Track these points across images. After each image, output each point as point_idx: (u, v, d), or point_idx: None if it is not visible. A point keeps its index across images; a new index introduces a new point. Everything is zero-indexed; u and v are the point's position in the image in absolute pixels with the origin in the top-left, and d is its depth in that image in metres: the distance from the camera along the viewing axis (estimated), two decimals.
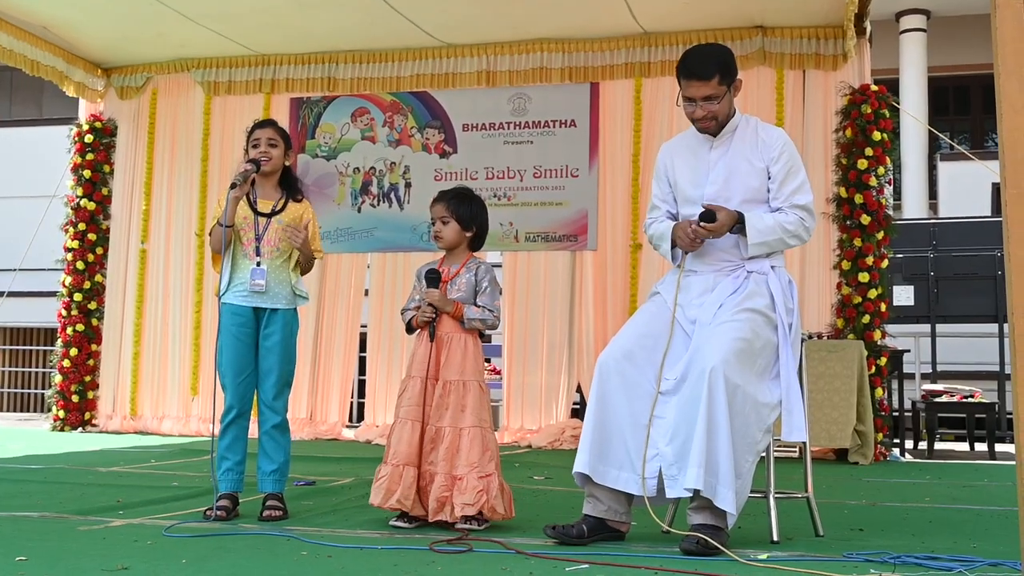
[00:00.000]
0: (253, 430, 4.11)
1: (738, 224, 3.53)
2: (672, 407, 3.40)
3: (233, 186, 3.91)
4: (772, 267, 3.60)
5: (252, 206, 4.10)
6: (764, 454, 3.59)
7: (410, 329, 4.01)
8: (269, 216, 4.09)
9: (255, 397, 4.12)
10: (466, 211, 3.96)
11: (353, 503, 4.48)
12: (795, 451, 6.93)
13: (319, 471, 5.80)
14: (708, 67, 3.57)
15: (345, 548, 3.33)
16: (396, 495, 3.75)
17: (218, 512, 3.88)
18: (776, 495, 3.63)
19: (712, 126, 3.63)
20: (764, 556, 3.22)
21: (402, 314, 4.06)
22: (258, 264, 4.03)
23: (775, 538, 3.53)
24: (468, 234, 3.98)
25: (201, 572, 2.92)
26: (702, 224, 3.52)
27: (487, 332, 4.03)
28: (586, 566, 3.05)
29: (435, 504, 3.74)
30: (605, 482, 3.44)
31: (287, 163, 4.20)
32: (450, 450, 3.76)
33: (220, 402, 4.09)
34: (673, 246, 3.68)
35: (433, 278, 3.92)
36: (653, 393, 3.44)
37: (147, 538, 3.48)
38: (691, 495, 3.32)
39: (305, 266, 4.17)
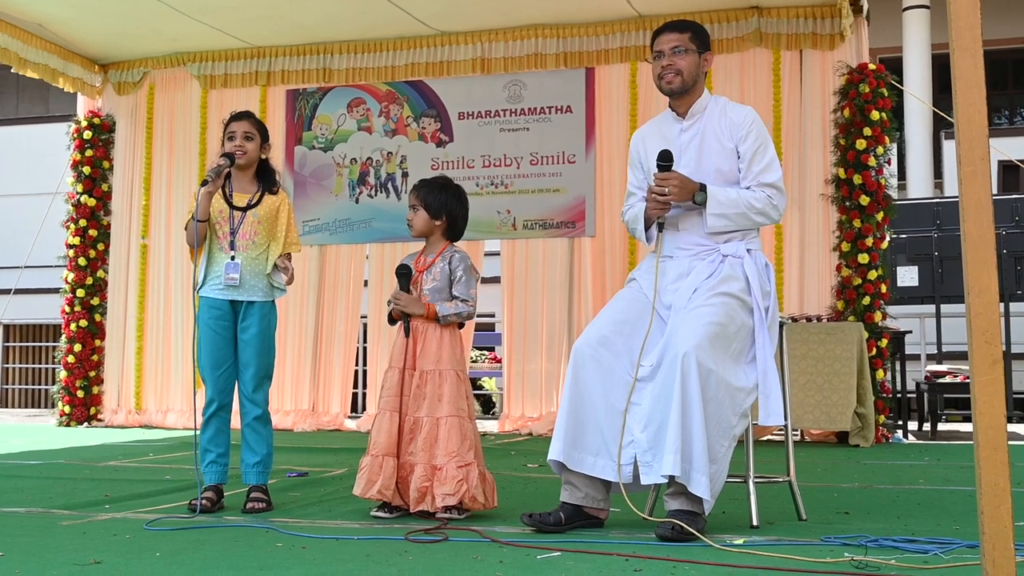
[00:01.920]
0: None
1: (702, 194, 3.50)
2: (647, 393, 3.37)
3: (204, 182, 3.91)
4: (748, 250, 3.57)
5: (227, 200, 4.08)
6: (744, 438, 3.58)
7: (392, 320, 4.01)
8: (244, 210, 4.07)
9: (236, 390, 4.12)
10: (435, 199, 3.93)
11: (340, 494, 4.48)
12: (795, 434, 6.88)
13: (314, 462, 5.81)
14: (683, 24, 3.68)
15: (321, 539, 3.33)
16: (377, 485, 3.75)
17: (203, 502, 3.89)
18: (756, 480, 3.61)
19: (676, 83, 3.60)
20: (740, 541, 3.20)
21: (388, 304, 4.06)
22: (232, 258, 4.02)
23: (755, 523, 3.51)
24: (437, 223, 3.95)
25: (172, 565, 2.92)
26: (659, 167, 3.50)
27: (465, 321, 3.99)
28: (557, 554, 3.03)
29: (416, 494, 3.73)
30: (581, 469, 3.43)
31: (264, 156, 4.19)
32: (428, 440, 3.75)
33: (201, 396, 4.10)
34: (648, 227, 3.65)
35: (404, 274, 3.90)
36: (629, 380, 3.42)
37: (127, 532, 3.49)
38: (667, 481, 3.30)
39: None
